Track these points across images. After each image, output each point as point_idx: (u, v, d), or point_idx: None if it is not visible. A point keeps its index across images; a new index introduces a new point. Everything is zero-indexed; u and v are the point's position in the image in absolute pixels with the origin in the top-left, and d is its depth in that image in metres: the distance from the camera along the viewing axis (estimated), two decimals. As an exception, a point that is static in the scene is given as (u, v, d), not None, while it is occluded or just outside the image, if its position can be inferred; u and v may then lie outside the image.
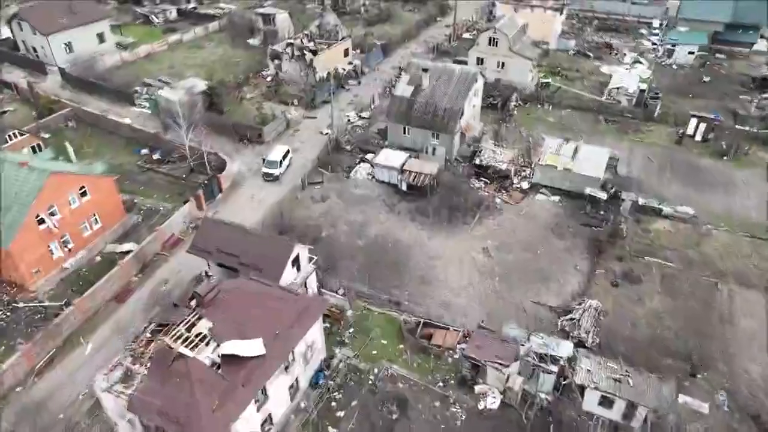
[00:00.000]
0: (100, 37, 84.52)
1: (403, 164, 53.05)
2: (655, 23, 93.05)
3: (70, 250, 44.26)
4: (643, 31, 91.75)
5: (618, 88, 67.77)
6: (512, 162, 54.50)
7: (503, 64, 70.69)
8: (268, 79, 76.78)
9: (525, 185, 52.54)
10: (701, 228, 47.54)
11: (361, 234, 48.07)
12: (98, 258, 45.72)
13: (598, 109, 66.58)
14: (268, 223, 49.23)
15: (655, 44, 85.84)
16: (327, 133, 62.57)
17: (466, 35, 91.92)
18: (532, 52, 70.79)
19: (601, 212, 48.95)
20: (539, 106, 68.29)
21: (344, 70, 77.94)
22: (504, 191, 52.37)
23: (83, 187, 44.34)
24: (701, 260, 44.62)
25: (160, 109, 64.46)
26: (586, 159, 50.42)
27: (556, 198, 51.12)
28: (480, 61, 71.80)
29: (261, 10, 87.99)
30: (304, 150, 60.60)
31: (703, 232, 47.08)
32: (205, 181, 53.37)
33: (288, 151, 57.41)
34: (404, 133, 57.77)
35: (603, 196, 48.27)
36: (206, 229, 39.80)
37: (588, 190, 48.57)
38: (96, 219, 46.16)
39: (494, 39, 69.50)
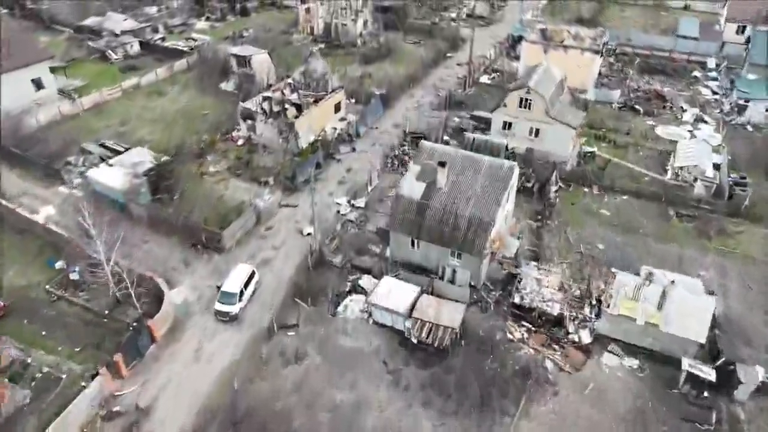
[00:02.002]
0: (38, 84, 68.91)
1: (413, 307, 37.51)
2: (710, 63, 77.45)
3: None
4: (697, 73, 76.05)
5: (689, 168, 52.11)
6: (564, 298, 38.83)
7: (537, 131, 55.08)
8: (239, 142, 61.16)
9: (586, 337, 36.88)
10: None
11: (351, 430, 32.43)
12: (-54, 488, 30.16)
13: (664, 194, 50.87)
14: (213, 407, 33.68)
15: (716, 93, 70.22)
16: (309, 234, 46.99)
17: (484, 78, 76.37)
18: (574, 115, 55.20)
19: (705, 393, 33.34)
20: (586, 189, 52.64)
21: (335, 130, 62.35)
22: (556, 346, 36.72)
23: None
24: None
25: (89, 198, 48.95)
26: (679, 310, 34.70)
27: (634, 362, 35.48)
28: (507, 125, 56.22)
29: (235, 50, 72.31)
30: (277, 262, 44.95)
31: None
32: (133, 325, 37.89)
33: (253, 274, 41.71)
34: (413, 247, 42.18)
35: (709, 376, 32.60)
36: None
37: (686, 365, 32.94)
38: (-50, 418, 30.61)
39: (527, 101, 53.87)
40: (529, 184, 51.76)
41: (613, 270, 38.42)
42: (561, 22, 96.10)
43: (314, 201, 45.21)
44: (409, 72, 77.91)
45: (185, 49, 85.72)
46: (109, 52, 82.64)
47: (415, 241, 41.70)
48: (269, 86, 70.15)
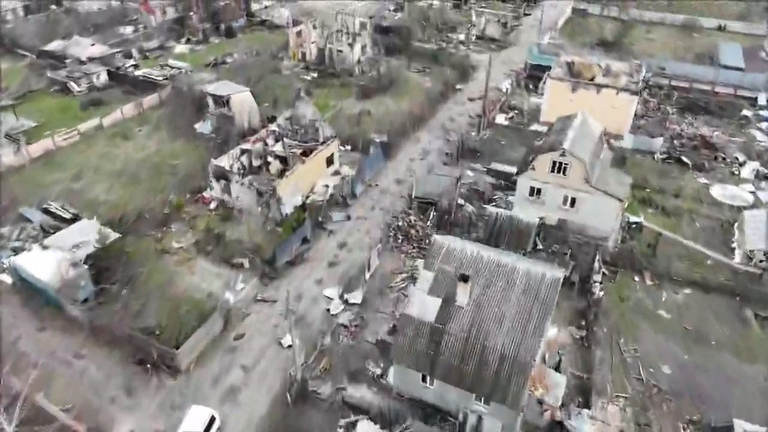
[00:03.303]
0: (-20, 128, 58.96)
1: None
2: (761, 99, 67.31)
3: None
4: (747, 112, 65.84)
5: (764, 250, 42.03)
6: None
7: (573, 200, 44.93)
8: (212, 205, 51.02)
9: None
10: None
11: None
12: None
13: (734, 284, 40.73)
14: None
15: (774, 140, 60.20)
16: (290, 346, 36.71)
17: (500, 118, 66.08)
18: (619, 182, 44.96)
19: None
20: (636, 277, 42.44)
21: (327, 188, 52.18)
22: None
23: None
24: None
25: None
26: None
27: None
28: (535, 191, 46.04)
29: (211, 89, 61.89)
30: (246, 392, 34.64)
31: None
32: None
33: (212, 420, 31.46)
34: (424, 382, 31.98)
35: None
36: None
37: None
38: None
39: (561, 165, 43.70)
40: (567, 273, 41.46)
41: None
42: (581, 45, 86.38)
43: (292, 313, 34.99)
44: (414, 107, 67.91)
45: (159, 79, 75.55)
46: (71, 83, 72.44)
47: (427, 377, 31.52)
48: (252, 130, 60.41)
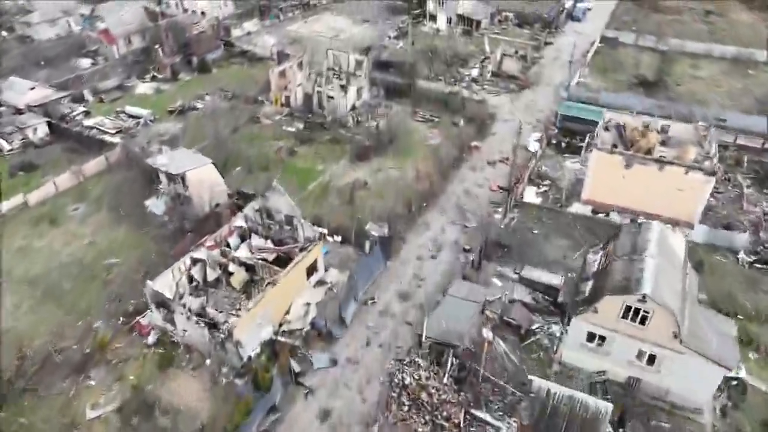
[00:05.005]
0: None
1: None
2: None
3: None
4: (840, 185, 52.55)
5: None
6: None
7: (653, 357, 31.59)
8: (150, 338, 37.65)
9: None
10: None
11: None
12: None
13: None
14: None
15: None
16: None
17: (530, 193, 52.49)
18: (721, 336, 31.46)
19: None
20: (753, 487, 29.03)
21: (307, 309, 38.80)
22: None
23: None
24: None
25: None
26: None
27: None
28: (596, 338, 32.71)
29: (161, 163, 48.04)
30: None
31: None
32: None
33: None
34: None
35: None
36: None
37: None
38: None
39: (639, 312, 30.33)
40: (653, 483, 28.14)
41: None
42: (615, 84, 73.21)
43: None
44: (421, 174, 54.62)
45: (111, 132, 62.36)
46: (0, 140, 59.03)
47: None
48: (215, 213, 47.26)
